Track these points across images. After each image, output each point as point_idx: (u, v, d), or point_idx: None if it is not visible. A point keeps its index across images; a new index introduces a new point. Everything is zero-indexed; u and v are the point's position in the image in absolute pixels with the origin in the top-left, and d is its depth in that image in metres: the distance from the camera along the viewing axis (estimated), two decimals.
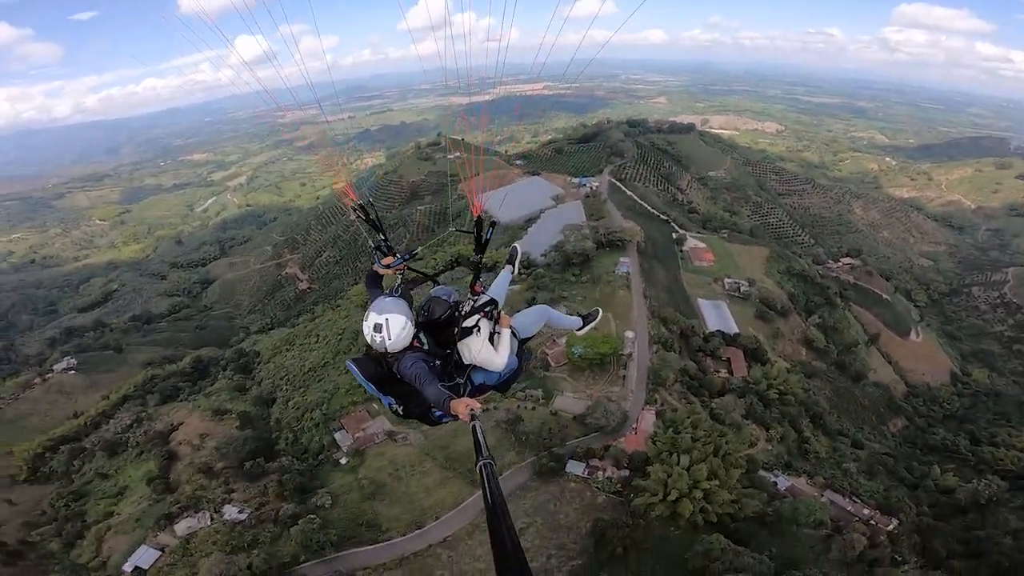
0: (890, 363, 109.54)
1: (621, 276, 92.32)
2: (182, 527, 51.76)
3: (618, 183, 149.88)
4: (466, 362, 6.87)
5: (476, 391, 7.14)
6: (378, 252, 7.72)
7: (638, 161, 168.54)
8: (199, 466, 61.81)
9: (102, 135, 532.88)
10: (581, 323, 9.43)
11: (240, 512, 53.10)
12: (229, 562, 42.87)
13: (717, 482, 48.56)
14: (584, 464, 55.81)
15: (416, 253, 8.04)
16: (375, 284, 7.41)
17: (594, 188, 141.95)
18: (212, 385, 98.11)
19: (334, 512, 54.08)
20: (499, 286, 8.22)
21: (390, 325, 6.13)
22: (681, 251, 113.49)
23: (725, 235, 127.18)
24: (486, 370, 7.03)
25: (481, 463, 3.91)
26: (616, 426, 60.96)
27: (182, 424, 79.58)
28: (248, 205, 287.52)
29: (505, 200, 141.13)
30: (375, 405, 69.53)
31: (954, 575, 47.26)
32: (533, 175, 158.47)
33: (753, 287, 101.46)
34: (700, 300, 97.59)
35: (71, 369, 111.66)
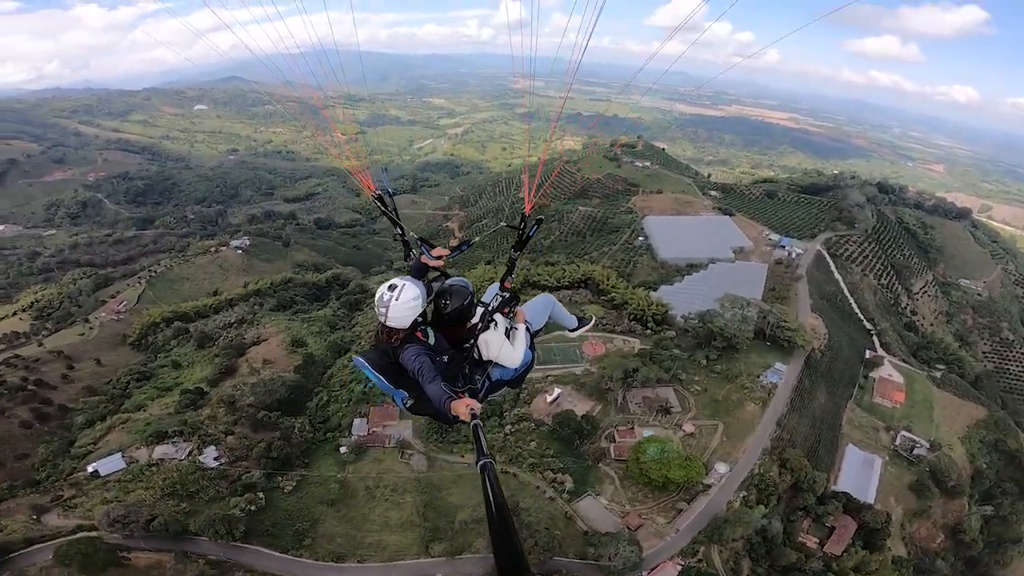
0: None
1: (765, 386, 73.52)
2: (159, 451, 53.78)
3: (828, 258, 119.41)
4: (485, 358, 6.68)
5: (492, 387, 6.89)
6: (425, 244, 6.96)
7: (869, 237, 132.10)
8: (226, 396, 63.96)
9: (384, 65, 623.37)
10: (576, 324, 8.87)
11: (215, 459, 53.12)
12: (131, 511, 42.37)
13: None
14: None
15: (474, 243, 8.33)
16: (417, 277, 6.63)
17: (794, 255, 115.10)
18: (319, 310, 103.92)
19: (287, 500, 51.24)
20: (490, 293, 7.37)
21: (403, 291, 5.84)
22: (865, 377, 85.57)
23: (939, 374, 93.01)
24: (503, 366, 6.83)
25: (481, 463, 3.82)
26: (620, 571, 47.30)
27: (264, 342, 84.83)
28: (453, 154, 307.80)
29: (673, 233, 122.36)
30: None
31: None
32: (724, 213, 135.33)
33: (933, 453, 73.09)
34: (850, 447, 73.17)
35: (241, 248, 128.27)
